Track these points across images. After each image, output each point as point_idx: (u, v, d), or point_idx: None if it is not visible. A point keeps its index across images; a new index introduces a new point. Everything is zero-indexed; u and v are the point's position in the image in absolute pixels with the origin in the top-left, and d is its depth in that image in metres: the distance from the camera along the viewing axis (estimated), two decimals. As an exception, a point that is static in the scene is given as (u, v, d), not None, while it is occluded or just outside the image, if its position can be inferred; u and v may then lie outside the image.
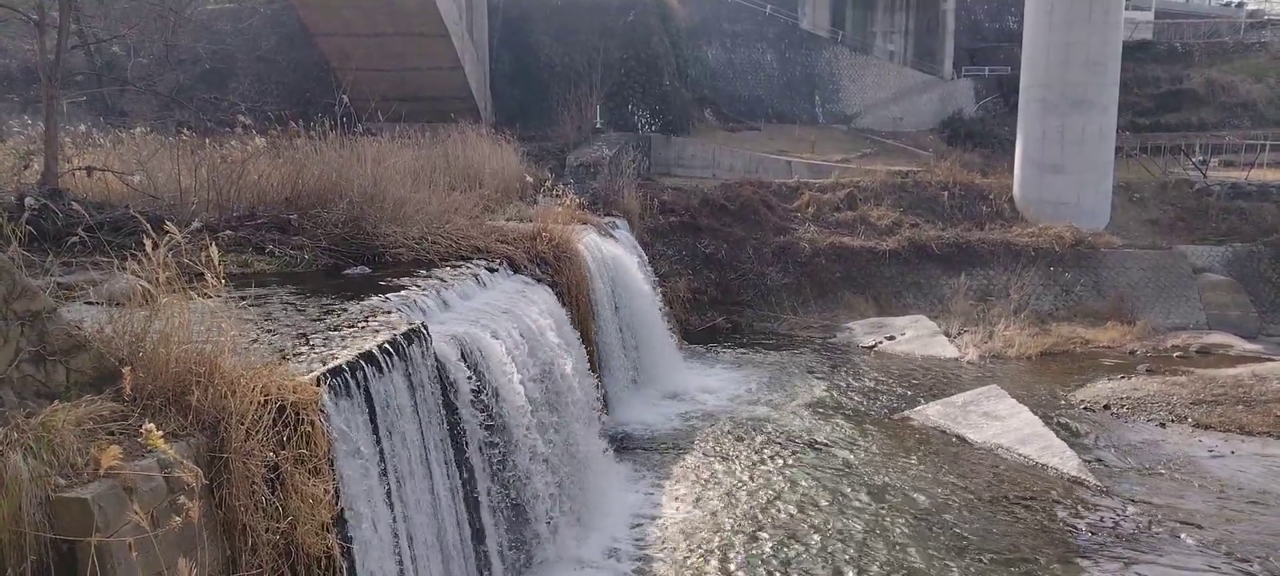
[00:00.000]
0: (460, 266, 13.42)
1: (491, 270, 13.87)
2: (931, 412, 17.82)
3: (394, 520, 8.08)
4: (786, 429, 17.02)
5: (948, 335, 23.68)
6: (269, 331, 9.04)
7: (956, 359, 22.09)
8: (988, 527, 12.92)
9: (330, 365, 7.72)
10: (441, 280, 12.40)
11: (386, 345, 8.63)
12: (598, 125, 33.58)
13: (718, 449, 15.97)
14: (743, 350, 23.27)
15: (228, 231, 13.18)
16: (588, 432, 13.71)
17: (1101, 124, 28.56)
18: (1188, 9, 52.96)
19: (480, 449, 10.44)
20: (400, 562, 8.08)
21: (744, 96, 40.77)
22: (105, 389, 6.23)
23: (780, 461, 15.36)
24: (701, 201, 28.36)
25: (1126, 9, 31.22)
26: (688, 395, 19.18)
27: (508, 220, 18.13)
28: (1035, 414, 17.21)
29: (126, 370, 6.09)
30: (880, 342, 23.46)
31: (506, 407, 10.85)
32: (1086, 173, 28.64)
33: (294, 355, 8.01)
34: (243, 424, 6.22)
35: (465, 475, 10.06)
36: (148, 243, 6.67)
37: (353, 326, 9.33)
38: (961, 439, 16.55)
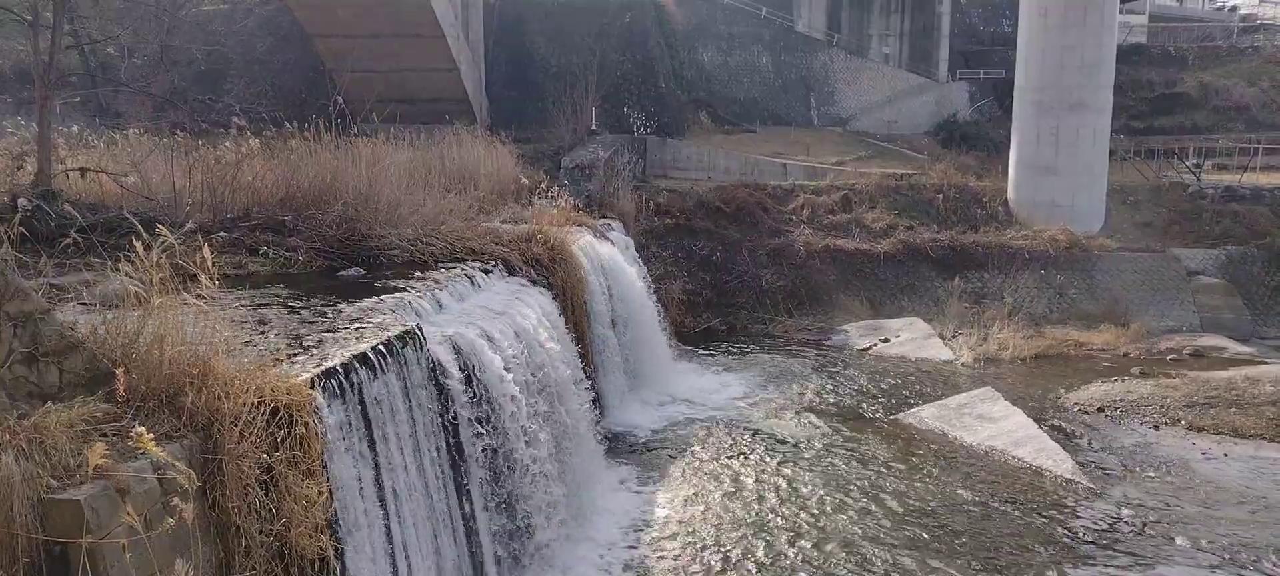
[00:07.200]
0: (455, 268, 13.41)
1: (486, 272, 13.86)
2: (926, 415, 17.84)
3: (388, 522, 8.08)
4: (781, 431, 17.03)
5: (942, 337, 23.71)
6: (263, 333, 9.03)
7: (951, 361, 22.12)
8: (982, 530, 12.95)
9: (324, 367, 7.72)
10: (436, 282, 12.39)
11: (381, 347, 8.63)
12: (593, 127, 33.52)
13: (712, 451, 15.98)
14: (738, 352, 23.28)
15: (222, 233, 13.18)
16: (582, 434, 13.71)
17: (1096, 127, 28.64)
18: (1181, 13, 53.13)
19: (474, 450, 10.43)
20: (393, 564, 8.08)
21: (740, 99, 40.82)
22: (98, 390, 6.21)
23: (775, 464, 15.38)
24: (697, 204, 28.37)
25: (1120, 13, 31.29)
26: (683, 397, 19.19)
27: (503, 222, 18.10)
28: (1029, 416, 17.22)
29: (120, 371, 6.08)
30: (875, 345, 23.48)
31: (501, 409, 10.85)
32: (1081, 176, 28.72)
33: (288, 357, 7.99)
34: (236, 425, 6.20)
35: (459, 477, 10.05)
36: (141, 244, 6.66)
37: (347, 328, 9.32)
38: (956, 441, 16.57)
